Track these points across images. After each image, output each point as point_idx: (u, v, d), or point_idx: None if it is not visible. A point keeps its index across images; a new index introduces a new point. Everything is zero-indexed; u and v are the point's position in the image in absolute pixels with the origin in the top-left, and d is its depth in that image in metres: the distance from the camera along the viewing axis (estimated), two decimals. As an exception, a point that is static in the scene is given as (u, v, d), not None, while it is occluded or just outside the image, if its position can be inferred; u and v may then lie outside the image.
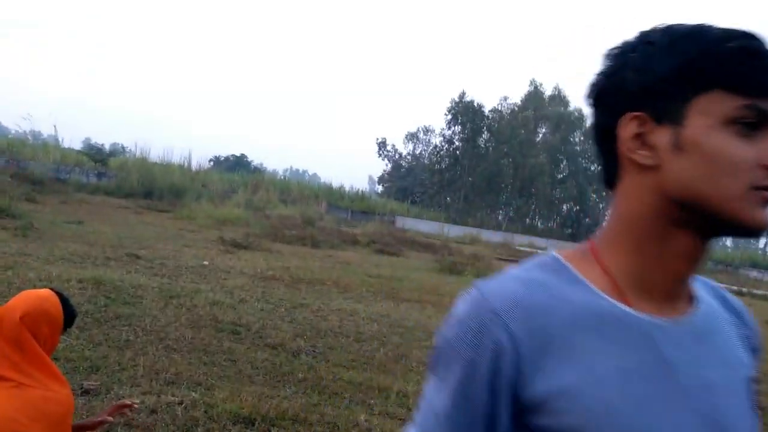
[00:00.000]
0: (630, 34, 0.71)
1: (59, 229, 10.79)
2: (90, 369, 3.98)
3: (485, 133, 50.35)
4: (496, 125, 49.83)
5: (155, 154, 28.54)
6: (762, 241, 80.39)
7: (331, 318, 6.66)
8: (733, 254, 50.79)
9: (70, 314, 1.88)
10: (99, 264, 7.79)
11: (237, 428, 3.42)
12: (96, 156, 27.43)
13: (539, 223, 53.00)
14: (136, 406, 2.19)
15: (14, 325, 1.70)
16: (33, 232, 9.70)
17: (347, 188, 45.61)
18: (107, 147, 33.78)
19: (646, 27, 0.71)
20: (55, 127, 30.23)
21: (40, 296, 1.81)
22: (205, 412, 3.56)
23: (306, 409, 3.83)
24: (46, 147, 28.29)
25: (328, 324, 6.34)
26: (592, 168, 51.17)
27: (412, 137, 66.86)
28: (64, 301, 1.87)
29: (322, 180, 64.82)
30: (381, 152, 64.46)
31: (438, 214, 45.42)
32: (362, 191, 49.04)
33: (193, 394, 3.80)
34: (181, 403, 3.60)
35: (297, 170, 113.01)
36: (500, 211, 53.98)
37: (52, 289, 1.91)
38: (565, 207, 52.36)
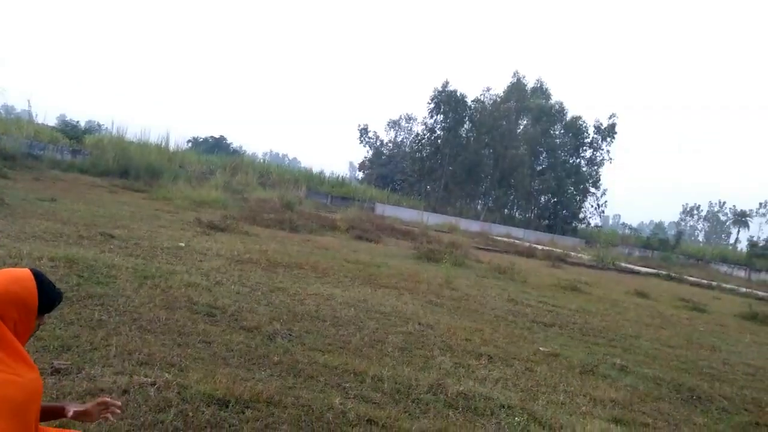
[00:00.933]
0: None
1: (31, 206, 10.56)
2: (61, 348, 3.91)
3: (467, 122, 50.43)
4: (478, 115, 49.92)
5: (132, 133, 28.00)
6: (732, 237, 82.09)
7: (308, 302, 6.65)
8: (704, 249, 51.93)
9: (49, 298, 1.80)
10: (72, 243, 7.64)
11: (210, 410, 3.40)
12: (71, 133, 26.81)
13: (517, 214, 53.49)
14: (118, 411, 2.06)
15: None
16: (4, 209, 9.47)
17: (327, 173, 45.50)
18: (83, 124, 32.94)
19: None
20: (29, 101, 29.37)
21: (10, 277, 1.73)
22: (179, 393, 3.53)
23: (281, 391, 3.82)
24: (20, 122, 27.59)
25: (305, 308, 6.33)
26: (571, 161, 51.72)
27: (394, 125, 66.80)
28: (42, 283, 1.79)
29: (303, 164, 64.37)
30: (362, 139, 64.26)
31: (418, 201, 45.54)
32: (342, 177, 48.92)
33: (167, 375, 3.76)
34: (154, 384, 3.56)
35: (277, 154, 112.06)
36: (479, 201, 54.31)
37: (34, 269, 1.82)
38: (543, 198, 52.85)
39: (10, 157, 19.07)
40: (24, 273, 1.77)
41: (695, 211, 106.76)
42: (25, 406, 1.66)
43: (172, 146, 30.05)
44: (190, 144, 51.12)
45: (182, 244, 9.06)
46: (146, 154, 24.73)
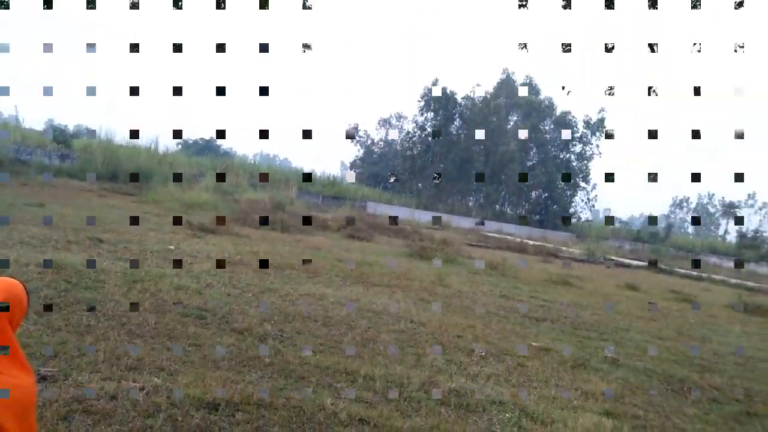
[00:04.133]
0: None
1: (18, 211, 10.45)
2: (48, 356, 3.87)
3: (457, 120, 50.50)
4: (468, 112, 50.00)
5: (121, 137, 27.75)
6: (721, 228, 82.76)
7: (300, 303, 6.63)
8: (693, 241, 52.34)
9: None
10: (60, 248, 7.57)
11: (200, 414, 3.38)
12: (59, 137, 26.59)
13: (509, 210, 53.63)
14: None
15: None
16: (-10, 215, 9.37)
17: (318, 173, 45.38)
18: (71, 128, 32.67)
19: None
20: (15, 107, 29.08)
21: (14, 284, 1.79)
22: (168, 397, 3.50)
23: (272, 393, 3.81)
24: (6, 127, 27.29)
25: (296, 308, 6.31)
26: (561, 156, 51.93)
27: (384, 123, 66.64)
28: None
29: (294, 165, 64.20)
30: (353, 138, 64.09)
31: (409, 199, 45.53)
32: (334, 176, 48.79)
33: (156, 379, 3.73)
34: (142, 389, 3.53)
35: (267, 155, 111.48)
36: (471, 198, 54.39)
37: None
38: (534, 194, 53.01)
39: (-3, 162, 18.88)
40: (16, 281, 1.83)
41: (685, 204, 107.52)
42: (30, 409, 1.73)
43: (161, 149, 29.89)
44: (179, 146, 50.79)
45: (171, 247, 9.01)
46: (135, 157, 24.57)
